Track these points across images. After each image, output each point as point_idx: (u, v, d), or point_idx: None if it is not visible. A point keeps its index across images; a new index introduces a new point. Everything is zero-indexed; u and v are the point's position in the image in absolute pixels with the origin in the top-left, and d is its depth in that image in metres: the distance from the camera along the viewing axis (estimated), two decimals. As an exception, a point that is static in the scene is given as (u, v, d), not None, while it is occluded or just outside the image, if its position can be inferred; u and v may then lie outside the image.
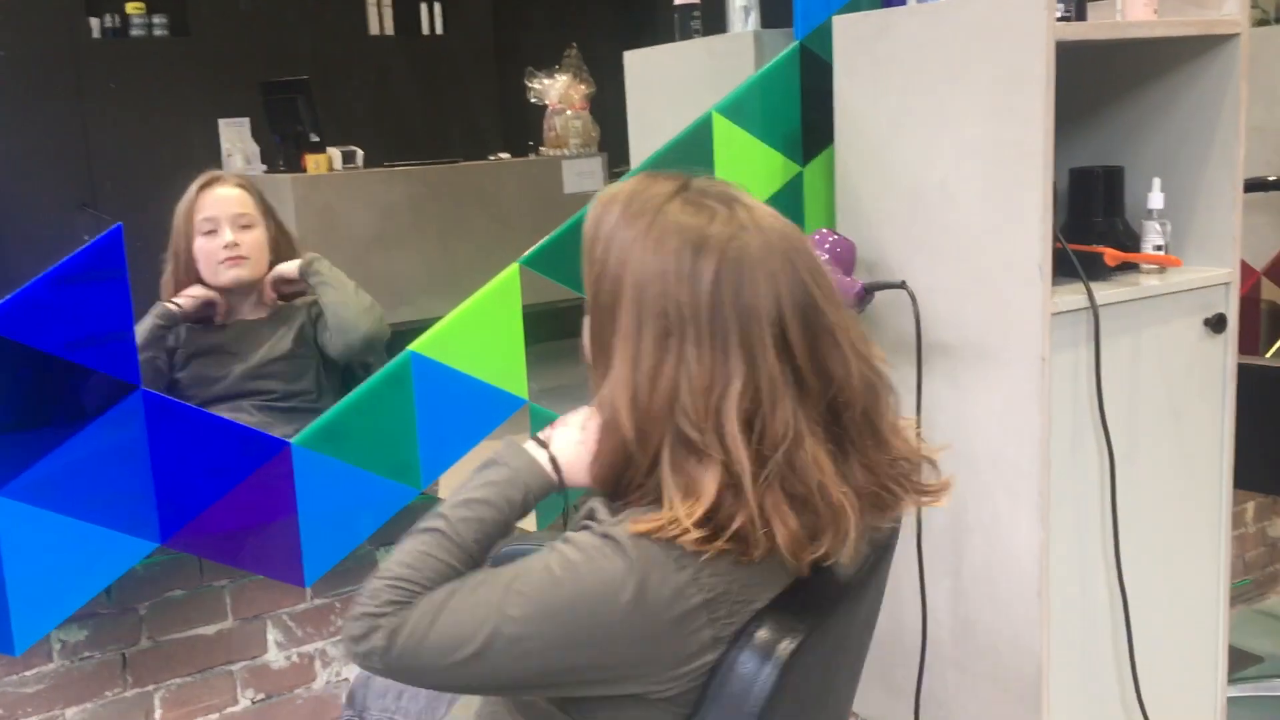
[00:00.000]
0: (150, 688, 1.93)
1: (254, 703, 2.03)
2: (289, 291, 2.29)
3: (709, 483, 1.04)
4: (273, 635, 2.03)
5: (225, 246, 2.16)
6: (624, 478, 1.11)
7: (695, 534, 1.03)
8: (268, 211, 2.26)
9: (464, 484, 1.20)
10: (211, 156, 4.63)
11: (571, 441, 1.20)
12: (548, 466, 1.19)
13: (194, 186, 2.20)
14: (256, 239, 2.21)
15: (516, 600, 1.06)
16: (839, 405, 1.09)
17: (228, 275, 2.18)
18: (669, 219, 1.07)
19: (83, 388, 1.67)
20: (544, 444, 1.21)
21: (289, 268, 2.25)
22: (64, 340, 1.63)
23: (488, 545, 1.16)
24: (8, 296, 1.60)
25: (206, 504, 1.78)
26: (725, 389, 1.04)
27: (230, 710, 2.01)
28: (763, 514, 1.04)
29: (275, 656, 2.04)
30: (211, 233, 2.17)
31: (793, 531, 1.05)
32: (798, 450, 1.05)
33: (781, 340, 1.06)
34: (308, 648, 2.07)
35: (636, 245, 1.07)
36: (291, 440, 1.84)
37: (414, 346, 1.92)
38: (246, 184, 2.25)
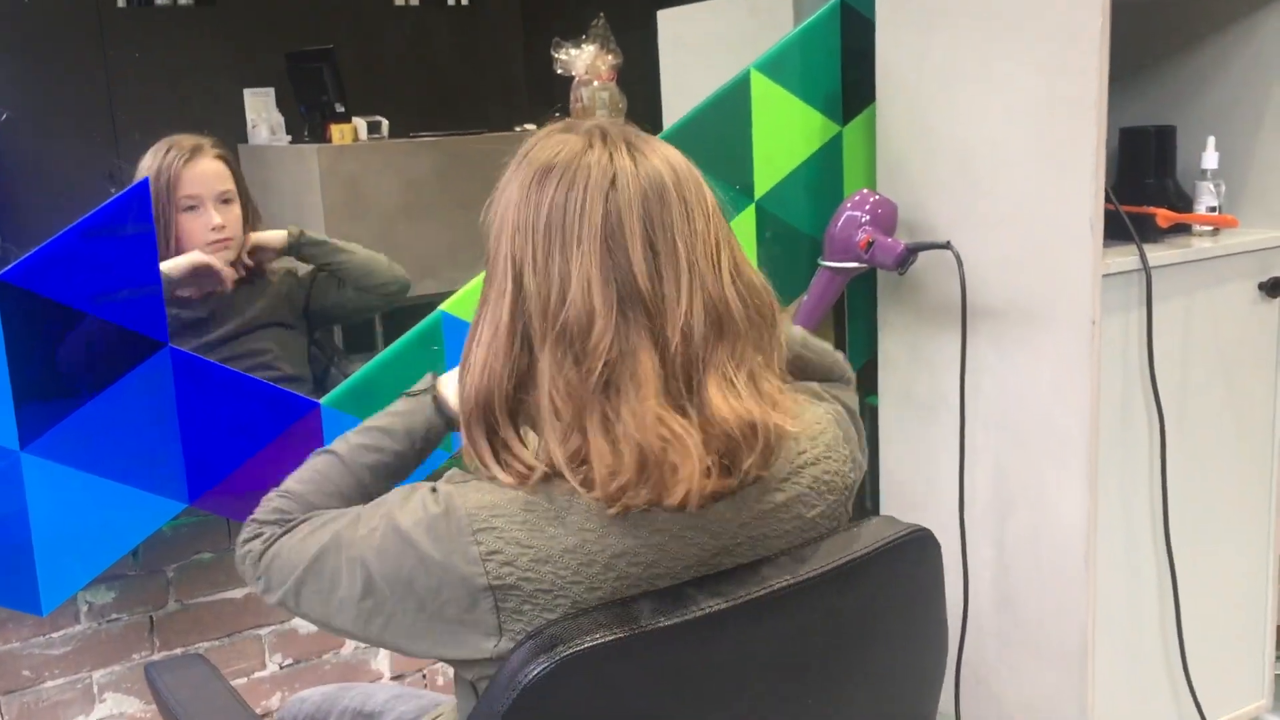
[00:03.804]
0: (178, 651, 1.91)
1: (281, 667, 2.01)
2: (261, 260, 2.21)
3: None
4: (301, 600, 2.01)
5: (213, 229, 2.06)
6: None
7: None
8: (242, 181, 2.18)
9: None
10: (237, 127, 4.59)
11: (453, 378, 1.15)
12: (432, 403, 1.20)
13: (176, 157, 2.08)
14: (236, 215, 2.12)
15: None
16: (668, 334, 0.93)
17: (214, 259, 2.08)
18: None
19: (110, 343, 1.64)
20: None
21: (272, 237, 2.18)
22: (90, 295, 1.60)
23: (384, 474, 1.16)
24: (33, 251, 1.57)
25: (235, 464, 1.75)
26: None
27: (258, 674, 1.99)
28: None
29: (303, 621, 2.01)
30: (192, 209, 2.06)
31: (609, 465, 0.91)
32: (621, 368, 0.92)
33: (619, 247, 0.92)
34: (336, 613, 2.04)
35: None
36: (321, 400, 1.80)
37: (445, 306, 1.88)
38: (225, 155, 2.15)
